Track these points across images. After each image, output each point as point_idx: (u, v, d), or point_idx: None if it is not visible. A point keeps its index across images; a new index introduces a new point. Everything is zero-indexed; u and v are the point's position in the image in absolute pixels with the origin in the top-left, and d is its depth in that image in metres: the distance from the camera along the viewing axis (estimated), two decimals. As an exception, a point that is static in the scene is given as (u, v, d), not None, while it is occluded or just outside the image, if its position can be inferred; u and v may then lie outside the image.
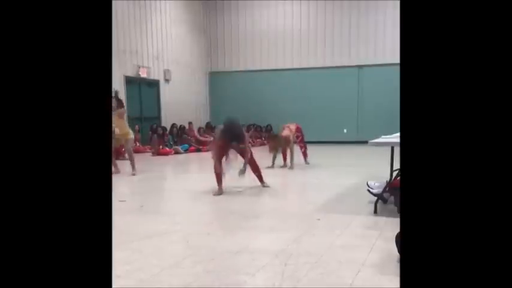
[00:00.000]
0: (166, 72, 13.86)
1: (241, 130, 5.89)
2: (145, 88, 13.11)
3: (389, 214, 4.12)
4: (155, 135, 11.60)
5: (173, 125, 12.90)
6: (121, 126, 7.38)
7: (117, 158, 8.85)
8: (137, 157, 8.21)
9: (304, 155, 8.23)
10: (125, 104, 8.00)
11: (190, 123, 13.86)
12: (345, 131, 14.74)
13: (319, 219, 4.01)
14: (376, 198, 4.40)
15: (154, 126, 12.22)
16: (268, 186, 5.83)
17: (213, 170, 5.59)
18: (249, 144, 6.10)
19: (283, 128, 8.12)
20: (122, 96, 11.83)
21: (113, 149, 7.22)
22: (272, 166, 7.90)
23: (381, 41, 14.21)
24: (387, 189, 4.46)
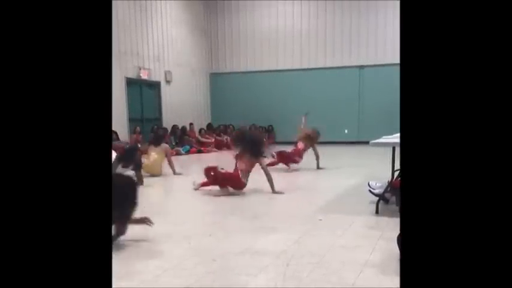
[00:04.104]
0: (167, 73, 13.87)
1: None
2: (146, 90, 13.13)
3: (391, 214, 4.12)
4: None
5: (174, 127, 12.91)
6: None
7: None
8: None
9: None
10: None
11: (191, 124, 13.88)
12: (346, 131, 14.76)
13: (320, 220, 4.00)
14: (377, 198, 4.39)
15: (155, 127, 12.22)
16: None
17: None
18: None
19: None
20: (123, 97, 11.84)
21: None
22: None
23: (382, 41, 14.22)
24: (389, 189, 4.45)
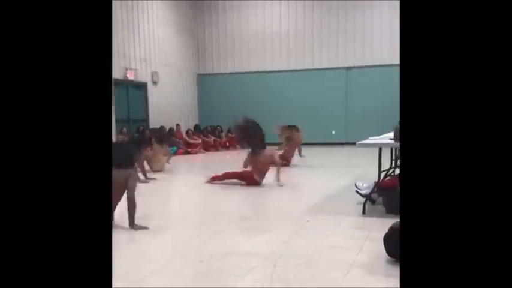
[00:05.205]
0: (154, 74, 13.80)
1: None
2: (133, 90, 13.04)
3: (378, 215, 4.15)
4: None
5: (161, 128, 12.84)
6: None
7: None
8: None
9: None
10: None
11: (178, 125, 13.82)
12: (333, 132, 14.81)
13: (308, 221, 4.02)
14: (364, 199, 4.42)
15: (141, 128, 12.14)
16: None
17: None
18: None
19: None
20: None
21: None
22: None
23: (369, 43, 14.30)
24: (375, 190, 4.48)
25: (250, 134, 6.26)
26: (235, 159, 8.63)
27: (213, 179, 6.36)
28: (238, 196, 5.58)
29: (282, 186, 6.00)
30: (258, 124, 6.54)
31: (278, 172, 6.14)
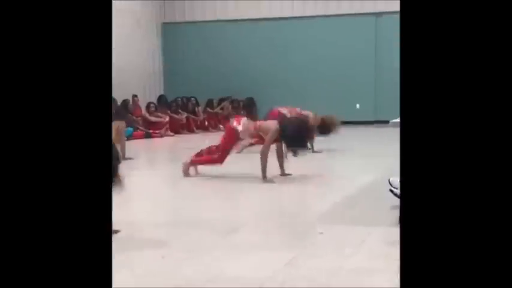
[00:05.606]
0: (100, 23, 13.72)
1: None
2: (69, 47, 12.97)
3: (421, 224, 4.17)
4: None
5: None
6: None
7: None
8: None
9: None
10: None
11: (135, 96, 13.76)
12: (358, 106, 14.83)
13: (322, 233, 4.04)
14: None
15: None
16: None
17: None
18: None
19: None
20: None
21: None
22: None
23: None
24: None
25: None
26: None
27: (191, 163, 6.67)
28: (223, 197, 5.59)
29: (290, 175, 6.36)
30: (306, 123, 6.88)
31: (281, 159, 6.46)
